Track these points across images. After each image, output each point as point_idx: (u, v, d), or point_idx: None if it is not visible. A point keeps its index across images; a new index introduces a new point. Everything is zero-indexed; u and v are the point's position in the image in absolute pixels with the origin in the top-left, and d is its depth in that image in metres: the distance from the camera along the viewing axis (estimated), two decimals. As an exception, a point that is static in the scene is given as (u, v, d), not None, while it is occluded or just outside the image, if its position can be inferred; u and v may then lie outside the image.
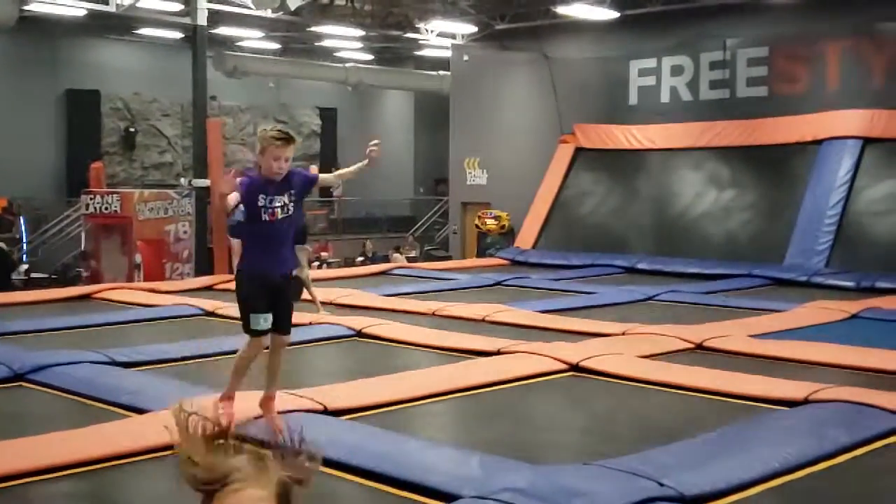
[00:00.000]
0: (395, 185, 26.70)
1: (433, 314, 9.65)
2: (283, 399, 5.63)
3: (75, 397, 6.13)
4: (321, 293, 10.81)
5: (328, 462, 4.69)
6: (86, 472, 4.63)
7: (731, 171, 15.19)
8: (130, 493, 4.60)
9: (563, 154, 16.87)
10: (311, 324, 8.88)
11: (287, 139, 4.69)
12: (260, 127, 11.23)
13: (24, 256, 18.78)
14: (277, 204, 4.71)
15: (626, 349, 7.47)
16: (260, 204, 4.69)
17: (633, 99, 16.56)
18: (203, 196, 15.62)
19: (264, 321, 4.82)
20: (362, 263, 18.75)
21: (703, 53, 15.68)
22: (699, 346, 7.83)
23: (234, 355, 7.49)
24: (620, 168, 16.23)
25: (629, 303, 10.70)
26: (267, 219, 4.70)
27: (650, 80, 16.35)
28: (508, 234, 17.47)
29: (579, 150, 16.79)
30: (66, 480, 4.52)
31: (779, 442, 5.01)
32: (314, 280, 10.43)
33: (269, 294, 4.83)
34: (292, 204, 4.78)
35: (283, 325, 4.99)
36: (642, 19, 16.04)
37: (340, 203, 25.29)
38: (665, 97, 16.19)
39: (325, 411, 5.59)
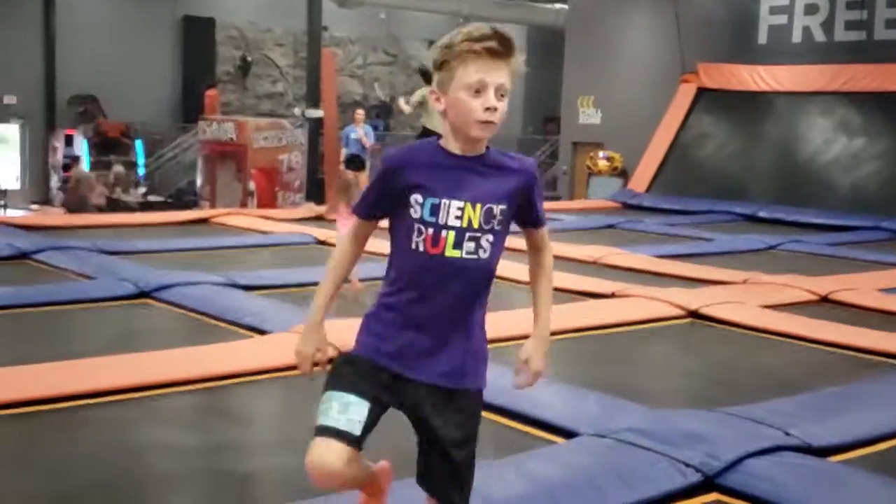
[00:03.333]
0: (503, 122, 26.42)
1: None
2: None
3: (199, 316, 6.31)
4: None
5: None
6: (211, 387, 4.75)
7: (864, 118, 14.48)
8: (253, 409, 4.71)
9: (685, 94, 16.35)
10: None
11: (501, 47, 2.08)
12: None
13: (141, 179, 19.45)
14: (456, 215, 2.10)
15: (748, 298, 7.23)
16: (414, 211, 2.13)
17: (762, 38, 15.85)
18: (316, 127, 15.77)
19: (340, 412, 2.15)
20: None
21: (839, -8, 14.92)
22: (824, 299, 7.54)
23: (347, 283, 7.72)
24: (745, 111, 15.65)
25: (749, 251, 10.35)
26: (422, 247, 2.13)
27: (782, 19, 15.59)
28: (621, 176, 17.13)
29: (702, 91, 16.23)
30: (191, 395, 4.65)
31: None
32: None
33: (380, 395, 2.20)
34: (496, 226, 2.15)
35: (436, 486, 2.26)
36: (776, -47, 15.35)
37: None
38: (797, 37, 15.45)
39: (440, 342, 5.58)
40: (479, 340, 2.26)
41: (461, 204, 2.09)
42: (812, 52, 15.22)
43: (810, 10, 15.31)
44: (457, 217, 2.09)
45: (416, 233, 2.11)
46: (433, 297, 2.13)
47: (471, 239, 2.11)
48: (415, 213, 2.10)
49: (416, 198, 2.10)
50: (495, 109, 2.10)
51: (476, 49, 2.04)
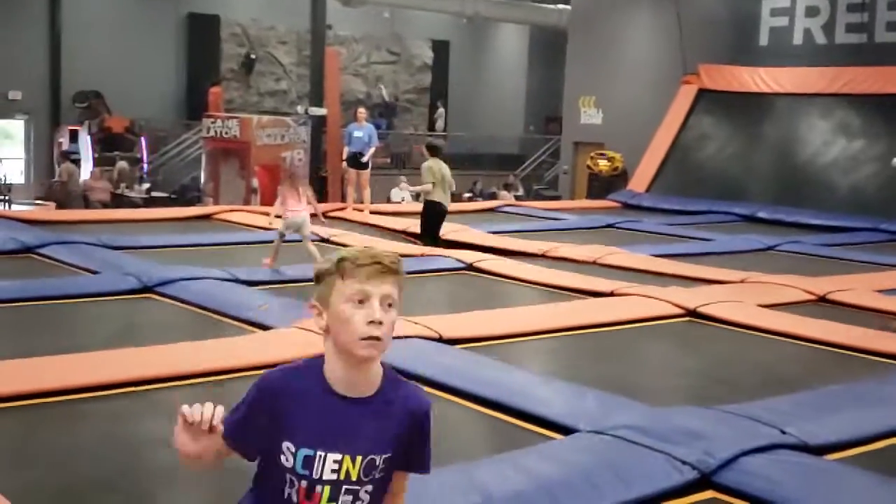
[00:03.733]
0: (504, 121, 26.48)
1: (543, 253, 9.58)
2: (399, 325, 5.68)
3: (201, 311, 6.35)
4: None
5: (445, 388, 4.78)
6: (213, 381, 4.78)
7: (863, 120, 14.47)
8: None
9: (686, 95, 16.34)
10: (422, 255, 8.97)
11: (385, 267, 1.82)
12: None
13: (145, 176, 19.47)
14: (332, 468, 1.81)
15: (746, 297, 7.28)
16: (285, 459, 1.82)
17: (763, 40, 15.84)
18: (319, 125, 15.80)
19: None
20: (469, 200, 18.77)
21: (841, -6, 14.93)
22: (822, 299, 7.57)
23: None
24: (745, 112, 15.63)
25: (748, 251, 10.38)
26: (295, 498, 1.83)
27: (783, 21, 15.58)
28: (621, 177, 17.14)
29: (702, 92, 16.22)
30: (194, 388, 4.69)
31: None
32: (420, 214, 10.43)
33: None
34: (376, 476, 1.85)
35: None
36: (778, -46, 15.37)
37: (447, 138, 25.27)
38: (798, 39, 15.43)
39: (440, 339, 5.63)
40: None
41: (339, 457, 1.78)
42: (813, 55, 15.19)
43: (811, 12, 15.29)
44: (333, 471, 1.78)
45: (287, 483, 1.79)
46: None
47: (348, 492, 1.80)
48: (286, 461, 1.78)
49: (287, 445, 1.78)
50: (381, 323, 1.74)
51: (358, 265, 1.78)
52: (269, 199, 14.73)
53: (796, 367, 5.78)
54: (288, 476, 1.79)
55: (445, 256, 8.80)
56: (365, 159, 12.80)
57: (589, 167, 17.77)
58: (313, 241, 8.37)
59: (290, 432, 1.78)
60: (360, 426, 1.79)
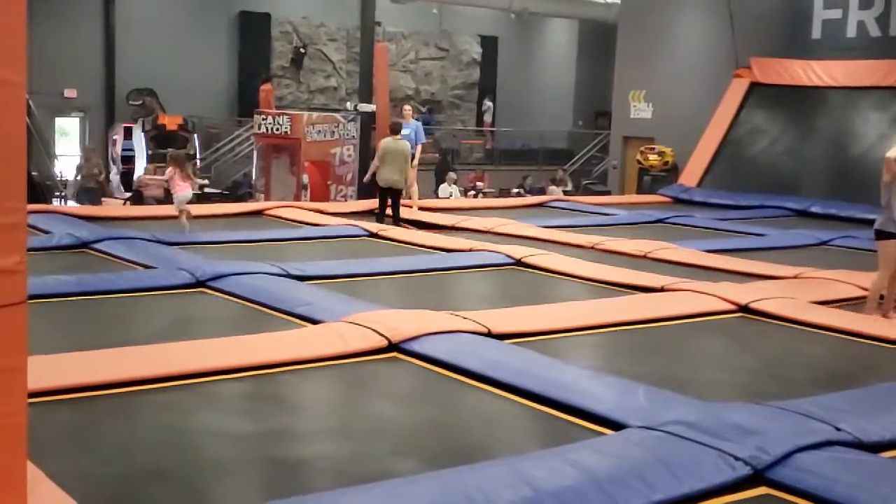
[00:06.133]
0: (553, 116, 26.37)
1: (593, 248, 9.54)
2: (447, 319, 5.73)
3: (253, 305, 6.44)
4: (478, 223, 10.96)
5: (494, 382, 4.79)
6: (264, 375, 4.85)
7: (920, 113, 14.16)
8: (305, 397, 4.80)
9: (737, 89, 16.12)
10: (471, 250, 8.99)
11: None
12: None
13: (198, 172, 19.75)
14: None
15: (799, 293, 7.17)
16: None
17: (816, 33, 15.56)
18: (368, 121, 15.88)
19: None
20: (517, 195, 18.75)
21: (897, -15, 14.60)
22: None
23: (399, 275, 7.82)
24: (798, 106, 15.38)
25: (801, 246, 10.24)
26: None
27: (836, 13, 15.29)
28: (672, 171, 16.97)
29: (754, 86, 15.97)
30: (245, 382, 4.75)
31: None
32: (469, 209, 10.49)
33: None
34: None
35: None
36: (831, -55, 15.06)
37: (496, 133, 25.23)
38: (851, 32, 15.13)
39: (489, 334, 5.64)
40: None
41: None
42: (867, 47, 14.88)
43: (865, 4, 14.97)
44: None
45: None
46: None
47: None
48: None
49: None
50: None
51: None
52: (317, 195, 14.87)
53: (850, 364, 5.68)
54: None
55: (493, 252, 8.81)
56: (415, 163, 12.73)
57: (639, 162, 17.63)
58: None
59: None
60: None
